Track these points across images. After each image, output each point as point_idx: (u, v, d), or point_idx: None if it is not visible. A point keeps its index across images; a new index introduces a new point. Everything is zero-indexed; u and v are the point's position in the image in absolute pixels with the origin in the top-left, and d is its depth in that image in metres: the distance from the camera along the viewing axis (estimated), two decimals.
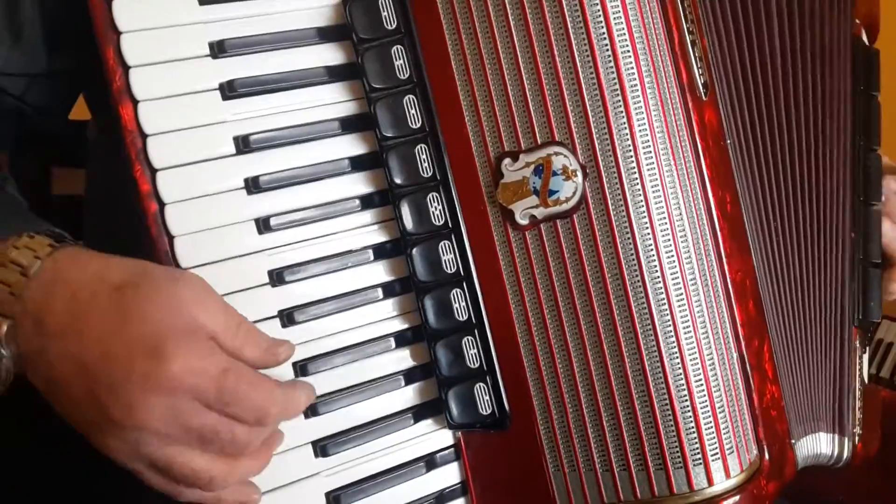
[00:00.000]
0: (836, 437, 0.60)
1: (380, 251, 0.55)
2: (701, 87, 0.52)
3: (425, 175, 0.53)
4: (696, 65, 0.51)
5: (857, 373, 0.61)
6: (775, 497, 0.53)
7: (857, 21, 0.64)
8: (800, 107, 0.57)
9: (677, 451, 0.50)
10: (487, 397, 0.53)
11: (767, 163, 0.56)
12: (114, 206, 0.53)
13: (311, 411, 0.53)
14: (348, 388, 0.54)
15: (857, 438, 0.61)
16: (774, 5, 0.56)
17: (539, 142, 0.50)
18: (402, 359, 0.55)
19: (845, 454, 0.60)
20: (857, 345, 0.62)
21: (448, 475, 0.56)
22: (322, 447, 0.53)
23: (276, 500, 0.51)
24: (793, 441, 0.55)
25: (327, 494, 0.53)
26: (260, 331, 0.49)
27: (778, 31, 0.56)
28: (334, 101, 0.54)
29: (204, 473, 0.46)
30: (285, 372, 0.52)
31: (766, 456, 0.53)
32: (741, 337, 0.52)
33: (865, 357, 0.64)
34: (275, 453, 0.51)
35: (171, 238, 0.50)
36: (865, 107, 0.63)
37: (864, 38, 0.65)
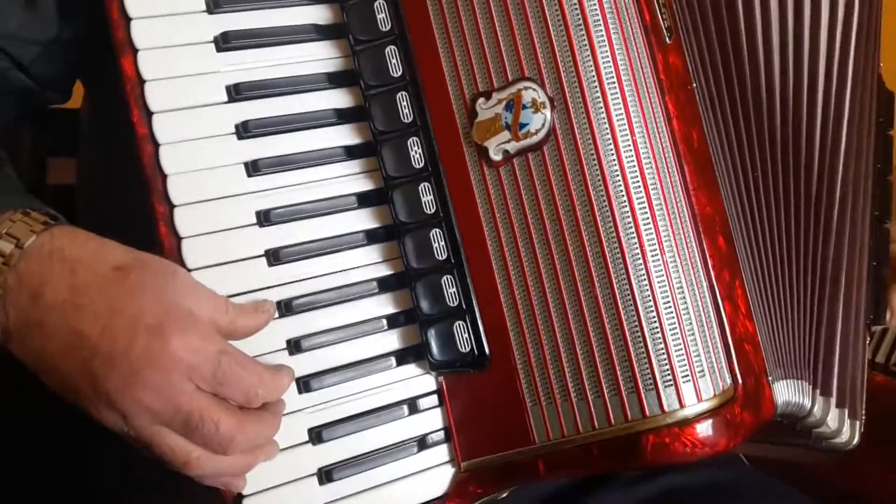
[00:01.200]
0: (818, 394, 0.58)
1: (364, 198, 0.57)
2: (665, 31, 0.53)
3: (406, 121, 0.55)
4: (660, 10, 0.53)
5: (865, 364, 0.62)
6: (752, 429, 0.52)
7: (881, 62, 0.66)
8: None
9: (648, 374, 0.50)
10: (466, 335, 0.54)
11: (748, 120, 0.57)
12: (106, 186, 0.56)
13: (296, 348, 0.55)
14: (332, 329, 0.56)
15: (862, 425, 0.61)
16: None
17: (510, 79, 0.52)
18: (386, 303, 0.57)
19: (854, 437, 0.60)
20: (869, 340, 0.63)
21: (431, 420, 0.57)
22: (305, 383, 0.55)
23: None
24: (770, 378, 0.54)
25: (310, 430, 0.54)
26: (244, 306, 0.51)
27: None
28: (324, 56, 0.57)
29: (181, 457, 0.47)
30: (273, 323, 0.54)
31: (741, 385, 0.52)
32: (710, 267, 0.52)
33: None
34: None
35: (164, 177, 0.53)
36: (884, 138, 0.66)
37: None
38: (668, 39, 0.53)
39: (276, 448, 0.51)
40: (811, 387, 0.57)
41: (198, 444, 0.47)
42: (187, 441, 0.47)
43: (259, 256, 0.55)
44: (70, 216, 0.59)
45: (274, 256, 0.55)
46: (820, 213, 0.58)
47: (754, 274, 0.56)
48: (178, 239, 0.53)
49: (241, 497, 0.52)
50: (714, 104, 0.56)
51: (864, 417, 0.61)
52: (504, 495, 0.60)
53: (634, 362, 0.50)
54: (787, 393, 0.57)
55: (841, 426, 0.59)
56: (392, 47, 0.55)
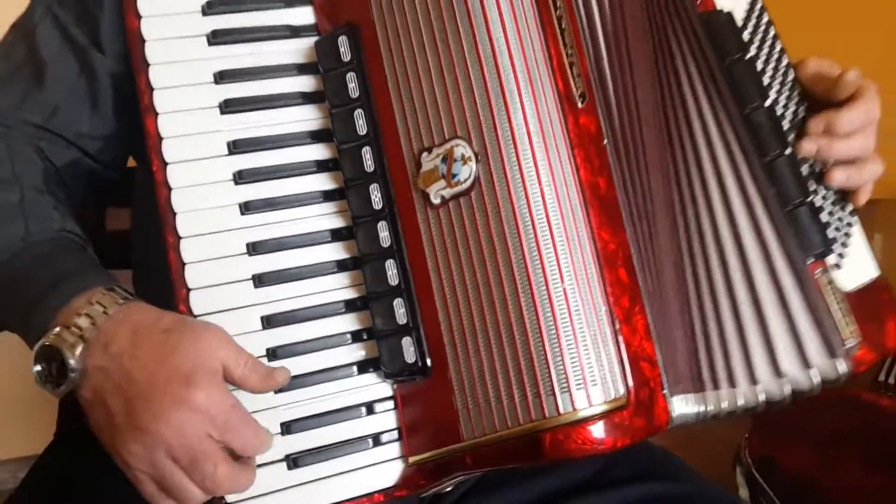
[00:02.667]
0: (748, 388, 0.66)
1: (336, 234, 0.69)
2: (577, 97, 0.64)
3: (369, 170, 0.67)
4: (573, 80, 0.64)
5: (830, 296, 0.67)
6: (644, 433, 0.60)
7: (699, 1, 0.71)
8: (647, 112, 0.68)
9: (548, 382, 0.60)
10: (413, 348, 0.65)
11: (648, 163, 0.67)
12: (154, 234, 0.69)
13: (274, 356, 0.67)
14: (304, 341, 0.68)
15: (853, 350, 0.66)
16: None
17: (446, 137, 0.64)
18: (351, 321, 0.68)
19: (840, 370, 0.65)
20: (820, 273, 0.68)
21: (385, 421, 0.68)
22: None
23: None
24: (665, 392, 0.63)
25: (282, 424, 0.66)
26: (261, 363, 0.64)
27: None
28: (308, 117, 0.71)
29: (176, 488, 0.59)
30: (253, 325, 0.67)
31: (633, 395, 0.61)
32: (609, 294, 0.62)
33: (843, 269, 0.69)
34: None
35: (174, 214, 0.67)
36: (734, 74, 0.70)
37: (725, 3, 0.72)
38: (580, 104, 0.64)
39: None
40: (730, 388, 0.65)
41: (196, 480, 0.59)
42: (186, 477, 0.59)
43: (247, 280, 0.68)
44: (124, 256, 0.74)
45: (259, 280, 0.67)
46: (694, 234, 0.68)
47: (656, 302, 0.65)
48: (183, 264, 0.66)
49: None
50: (621, 157, 0.66)
51: (849, 344, 0.66)
52: (449, 488, 0.70)
53: (538, 372, 0.60)
54: (687, 406, 0.65)
55: (814, 380, 0.66)
56: (360, 110, 0.68)
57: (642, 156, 0.67)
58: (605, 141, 0.65)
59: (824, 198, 0.72)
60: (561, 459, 0.60)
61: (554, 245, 0.61)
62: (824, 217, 0.70)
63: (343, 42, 0.68)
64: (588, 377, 0.60)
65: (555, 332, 0.60)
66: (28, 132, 0.73)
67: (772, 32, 0.73)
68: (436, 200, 0.64)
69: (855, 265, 0.71)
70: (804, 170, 0.71)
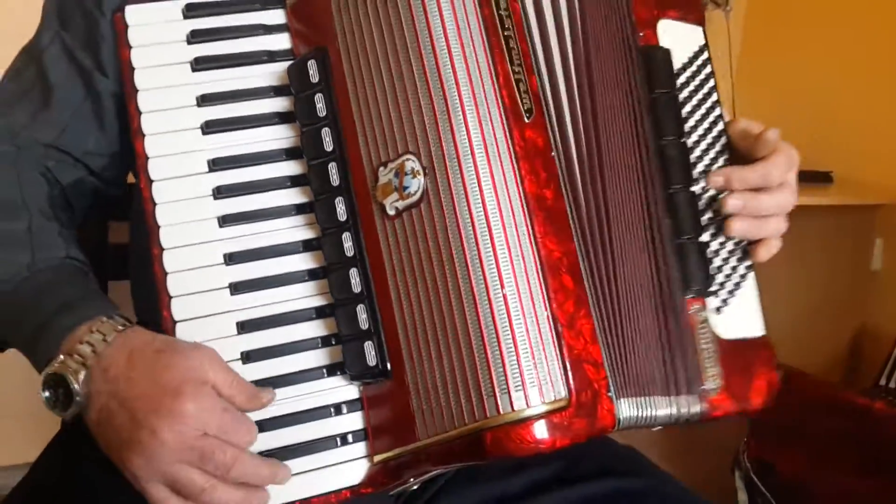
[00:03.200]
0: (684, 398, 0.68)
1: (307, 245, 0.74)
2: (524, 112, 0.67)
3: (334, 184, 0.72)
4: (520, 96, 0.67)
5: (700, 336, 0.69)
6: (585, 434, 0.62)
7: (642, 32, 0.75)
8: (603, 126, 0.70)
9: (489, 384, 0.62)
10: (374, 352, 0.69)
11: (592, 177, 0.69)
12: (144, 244, 0.74)
13: (248, 358, 0.72)
14: (277, 345, 0.72)
15: (711, 393, 0.69)
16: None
17: (399, 153, 0.68)
18: (320, 327, 0.73)
19: (690, 410, 0.68)
20: (695, 311, 0.71)
21: (352, 422, 0.72)
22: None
23: None
24: (611, 394, 0.65)
25: (255, 423, 0.71)
26: (247, 387, 0.68)
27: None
28: (282, 136, 0.76)
29: (199, 484, 0.64)
30: (229, 331, 0.72)
31: (574, 397, 0.63)
32: (552, 301, 0.64)
33: (723, 315, 0.72)
34: None
35: (158, 227, 0.73)
36: (657, 106, 0.73)
37: (664, 39, 0.76)
38: (526, 119, 0.67)
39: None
40: (665, 397, 0.68)
41: (209, 470, 0.63)
42: (203, 473, 0.64)
43: (224, 288, 0.73)
44: (124, 268, 0.80)
45: (235, 288, 0.72)
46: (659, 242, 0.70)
47: (605, 309, 0.68)
48: (165, 274, 0.72)
49: None
50: (573, 170, 0.69)
51: (707, 386, 0.69)
52: (416, 486, 0.74)
53: (480, 374, 0.63)
54: (636, 409, 0.67)
55: (687, 409, 0.68)
56: (327, 128, 0.72)
57: (597, 168, 0.69)
58: (553, 153, 0.67)
59: (722, 244, 0.75)
60: (503, 458, 0.63)
61: (495, 253, 0.64)
62: (717, 261, 0.74)
63: (312, 65, 0.72)
64: (527, 379, 0.62)
65: (495, 336, 0.63)
66: (36, 152, 0.79)
67: (710, 83, 0.77)
68: (391, 212, 0.68)
69: (739, 316, 0.74)
70: (710, 216, 0.75)
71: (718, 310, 0.73)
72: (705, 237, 0.74)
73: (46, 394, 0.64)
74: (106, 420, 0.64)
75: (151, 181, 0.73)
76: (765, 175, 0.72)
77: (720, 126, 0.77)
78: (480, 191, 0.64)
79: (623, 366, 0.67)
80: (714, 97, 0.78)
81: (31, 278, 0.72)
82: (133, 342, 0.65)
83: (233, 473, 0.64)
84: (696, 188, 0.74)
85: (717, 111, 0.77)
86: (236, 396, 0.65)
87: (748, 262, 0.75)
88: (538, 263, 0.65)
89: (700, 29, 0.79)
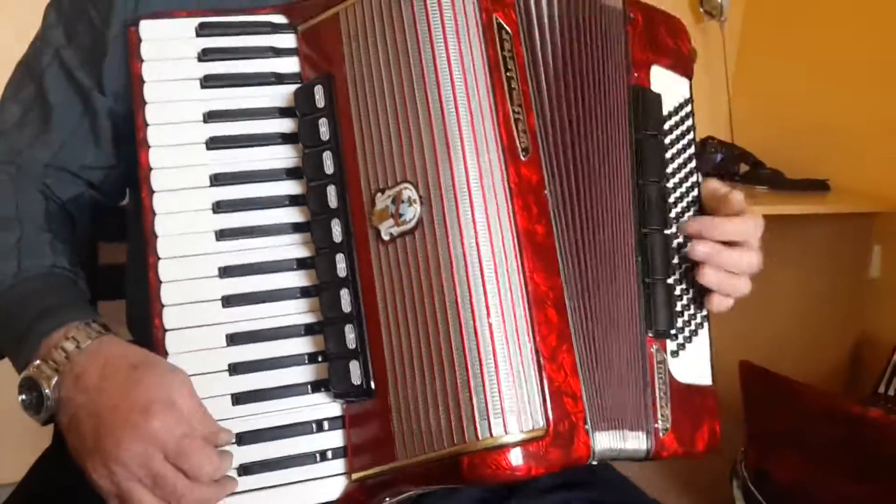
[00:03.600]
0: (642, 434, 0.71)
1: (301, 262, 0.76)
2: (521, 150, 0.70)
3: (332, 206, 0.74)
4: (517, 135, 0.70)
5: (657, 376, 0.72)
6: (560, 464, 0.64)
7: (636, 73, 0.78)
8: (593, 163, 0.73)
9: (469, 410, 0.65)
10: (359, 371, 0.71)
11: (581, 214, 0.72)
12: (141, 262, 0.76)
13: (234, 370, 0.74)
14: (264, 359, 0.74)
15: (661, 433, 0.71)
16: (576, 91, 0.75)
17: (398, 181, 0.71)
18: (308, 344, 0.74)
19: (645, 446, 0.71)
20: (655, 351, 0.73)
21: (333, 439, 0.73)
22: (237, 398, 0.73)
23: None
24: (588, 427, 0.67)
25: (237, 434, 0.72)
26: (212, 419, 0.69)
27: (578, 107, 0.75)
28: (284, 156, 0.78)
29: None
30: (219, 343, 0.73)
31: (552, 427, 0.65)
32: (536, 334, 0.67)
33: (680, 359, 0.75)
34: (204, 398, 0.71)
35: (156, 237, 0.75)
36: (643, 147, 0.76)
37: (655, 84, 0.79)
38: (522, 157, 0.70)
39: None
40: (636, 431, 0.70)
41: (159, 496, 0.65)
42: (153, 496, 0.65)
43: (216, 300, 0.74)
44: (116, 288, 0.82)
45: (227, 301, 0.74)
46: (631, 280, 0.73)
47: (586, 344, 0.70)
48: (160, 283, 0.74)
49: None
50: (565, 207, 0.72)
51: (658, 425, 0.71)
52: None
53: (461, 399, 0.65)
54: (608, 440, 0.69)
55: (642, 446, 0.71)
56: (328, 152, 0.75)
57: (585, 205, 0.72)
58: (546, 191, 0.70)
59: (685, 290, 0.78)
60: (478, 483, 0.65)
61: (484, 284, 0.66)
62: (678, 306, 0.77)
63: (318, 90, 0.75)
64: (506, 406, 0.64)
65: (478, 364, 0.65)
66: (36, 171, 0.82)
67: (690, 136, 0.81)
68: (385, 237, 0.70)
69: (692, 363, 0.77)
70: (677, 262, 0.78)
71: (675, 353, 0.76)
72: (670, 281, 0.76)
73: (22, 396, 0.66)
74: (75, 427, 0.65)
75: (153, 192, 0.75)
76: (737, 230, 0.75)
77: (694, 178, 0.81)
78: (474, 223, 0.67)
79: (600, 399, 0.69)
80: (692, 150, 0.82)
81: (16, 286, 0.74)
82: (107, 352, 0.66)
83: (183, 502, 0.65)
84: (667, 232, 0.77)
85: (692, 164, 0.81)
86: (197, 428, 0.65)
87: (705, 312, 0.78)
88: (525, 297, 0.67)
89: (688, 83, 0.83)
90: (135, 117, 0.76)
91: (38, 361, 0.66)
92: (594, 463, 0.66)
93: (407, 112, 0.70)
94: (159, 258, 0.73)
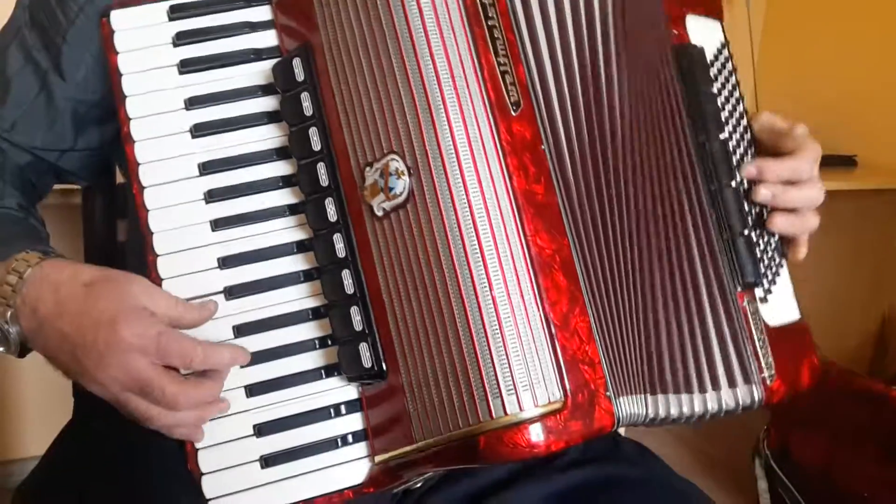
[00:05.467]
0: (697, 395, 0.67)
1: (300, 246, 0.73)
2: (511, 105, 0.65)
3: (323, 185, 0.70)
4: (507, 88, 0.65)
5: (753, 326, 0.69)
6: (582, 435, 0.61)
7: (675, 31, 0.72)
8: (608, 123, 0.68)
9: (481, 388, 0.61)
10: (368, 353, 0.68)
11: (598, 174, 0.67)
12: (137, 243, 0.75)
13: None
14: (274, 348, 0.72)
15: (768, 381, 0.68)
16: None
17: (384, 152, 0.67)
18: (316, 328, 0.72)
19: (755, 397, 0.67)
20: (747, 304, 0.69)
21: (352, 422, 0.71)
22: (251, 389, 0.72)
23: (213, 428, 0.70)
24: (609, 394, 0.63)
25: (254, 426, 0.71)
26: (192, 304, 0.68)
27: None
28: (272, 136, 0.74)
29: (144, 414, 0.65)
30: (226, 335, 0.72)
31: (570, 399, 0.62)
32: (544, 299, 0.63)
33: (769, 304, 0.71)
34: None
35: (151, 234, 0.73)
36: (699, 104, 0.71)
37: (694, 36, 0.73)
38: (513, 112, 0.65)
39: (227, 405, 0.68)
40: (688, 394, 0.66)
41: (153, 404, 0.64)
42: (147, 402, 0.65)
43: (219, 293, 0.72)
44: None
45: (230, 292, 0.72)
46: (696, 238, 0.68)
47: (603, 305, 0.66)
48: (160, 280, 0.72)
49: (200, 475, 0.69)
50: (564, 162, 0.67)
51: (765, 374, 0.68)
52: (419, 484, 0.74)
53: (471, 378, 0.62)
54: (637, 406, 0.66)
55: (738, 401, 0.67)
56: (314, 128, 0.71)
57: (600, 160, 0.67)
58: (543, 146, 0.65)
59: (759, 235, 0.73)
60: (497, 461, 0.62)
61: (483, 255, 0.62)
62: (758, 253, 0.71)
63: (297, 64, 0.71)
64: (519, 382, 0.61)
65: (485, 340, 0.62)
66: None
67: (733, 79, 0.75)
68: (379, 213, 0.66)
69: (780, 304, 0.73)
70: (747, 208, 0.73)
71: (763, 300, 0.71)
72: (746, 232, 0.72)
73: None
74: (53, 356, 0.64)
75: (143, 187, 0.72)
76: (795, 168, 0.72)
77: (745, 121, 0.76)
78: (466, 190, 0.63)
79: (624, 363, 0.65)
80: (737, 93, 0.76)
81: None
82: (55, 277, 0.64)
83: (177, 406, 0.64)
84: (733, 184, 0.72)
85: (741, 106, 0.75)
86: (185, 314, 0.65)
87: (780, 250, 0.75)
88: (528, 262, 0.63)
89: (720, 24, 0.78)
90: (118, 111, 0.74)
91: None
92: (621, 432, 0.62)
93: (385, 77, 0.66)
94: (157, 255, 0.71)
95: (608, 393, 0.63)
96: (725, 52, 0.77)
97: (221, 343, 0.68)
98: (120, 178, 0.99)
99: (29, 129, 0.80)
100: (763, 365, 0.68)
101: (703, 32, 0.75)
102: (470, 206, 0.62)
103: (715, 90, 0.73)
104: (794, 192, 0.72)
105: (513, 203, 0.63)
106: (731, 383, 0.68)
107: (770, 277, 0.73)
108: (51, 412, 0.98)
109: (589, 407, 0.63)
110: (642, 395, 0.66)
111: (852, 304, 2.35)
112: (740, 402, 0.68)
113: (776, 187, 0.72)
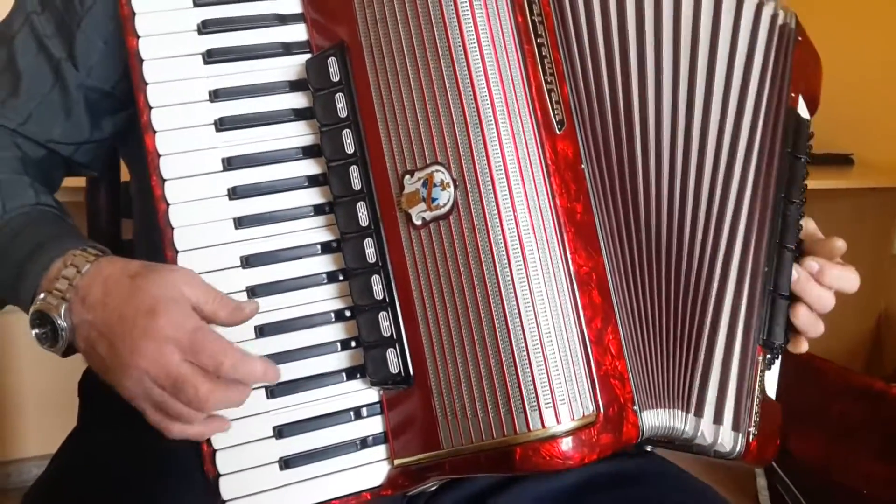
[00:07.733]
0: (692, 416, 0.70)
1: (326, 247, 0.73)
2: (556, 124, 0.66)
3: (356, 188, 0.70)
4: (552, 107, 0.66)
5: (757, 383, 0.71)
6: (611, 447, 0.64)
7: (794, 94, 0.76)
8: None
9: (519, 401, 0.63)
10: (396, 359, 0.69)
11: (634, 192, 0.69)
12: (146, 240, 0.73)
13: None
14: (296, 349, 0.71)
15: (750, 436, 0.70)
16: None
17: (427, 162, 0.67)
18: (339, 330, 0.72)
19: (737, 447, 0.70)
20: (760, 360, 0.72)
21: (372, 425, 0.72)
22: (272, 390, 0.71)
23: (234, 429, 0.69)
24: (636, 408, 0.66)
25: (274, 428, 0.70)
26: (231, 298, 0.67)
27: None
28: (299, 133, 0.73)
29: (181, 412, 0.64)
30: (247, 335, 0.71)
31: (601, 413, 0.64)
32: (582, 317, 0.65)
33: (770, 373, 0.73)
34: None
35: (172, 229, 0.71)
36: (791, 167, 0.75)
37: (803, 108, 0.77)
38: (557, 130, 0.66)
39: (228, 426, 0.68)
40: (683, 412, 0.69)
41: (182, 402, 0.63)
42: (179, 403, 0.64)
43: (241, 291, 0.71)
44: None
45: (252, 292, 0.71)
46: (695, 268, 0.70)
47: (631, 322, 0.68)
48: None
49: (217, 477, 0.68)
50: (604, 182, 0.68)
51: (752, 430, 0.70)
52: (434, 487, 0.75)
53: (510, 391, 0.64)
54: (656, 419, 0.68)
55: (717, 439, 0.69)
56: (348, 130, 0.70)
57: (629, 182, 0.69)
58: (583, 165, 0.66)
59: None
60: (530, 471, 0.64)
61: (527, 270, 0.63)
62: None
63: (332, 63, 0.70)
64: (557, 396, 0.63)
65: (525, 352, 0.63)
66: (5, 132, 0.78)
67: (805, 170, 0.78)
68: (417, 221, 0.67)
69: (772, 379, 0.76)
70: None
71: (769, 366, 0.74)
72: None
73: (36, 331, 0.65)
74: (91, 348, 0.64)
75: (164, 180, 0.70)
76: (842, 279, 0.74)
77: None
78: (513, 206, 0.64)
79: (646, 378, 0.68)
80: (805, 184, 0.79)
81: (3, 227, 0.72)
82: (107, 270, 0.65)
83: (205, 407, 0.64)
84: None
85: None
86: (219, 311, 0.64)
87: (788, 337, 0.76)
88: (570, 280, 0.64)
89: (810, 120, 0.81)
90: (136, 98, 0.71)
91: (42, 294, 0.65)
92: (648, 448, 0.64)
93: (433, 85, 0.66)
94: (178, 251, 0.69)
95: (635, 407, 0.66)
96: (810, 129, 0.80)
97: (256, 356, 0.67)
98: (125, 176, 0.95)
99: (45, 121, 0.77)
100: (752, 421, 0.72)
101: (803, 111, 0.79)
102: (516, 222, 0.63)
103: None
104: (828, 295, 0.74)
105: (555, 220, 0.65)
106: (718, 420, 0.70)
107: (778, 350, 0.76)
108: (51, 412, 0.95)
109: (618, 420, 0.65)
110: (664, 410, 0.69)
111: (848, 302, 2.45)
112: (718, 441, 0.70)
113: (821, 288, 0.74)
